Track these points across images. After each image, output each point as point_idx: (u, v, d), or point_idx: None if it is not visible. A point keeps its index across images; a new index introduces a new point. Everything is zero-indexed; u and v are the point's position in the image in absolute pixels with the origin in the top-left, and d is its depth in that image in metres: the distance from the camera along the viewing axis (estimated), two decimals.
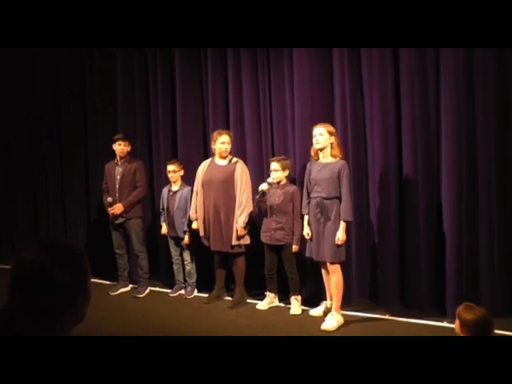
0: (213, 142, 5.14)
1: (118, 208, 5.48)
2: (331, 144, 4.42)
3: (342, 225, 4.34)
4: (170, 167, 5.48)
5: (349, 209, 4.36)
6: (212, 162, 5.18)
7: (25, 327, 1.25)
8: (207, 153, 5.75)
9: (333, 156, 4.45)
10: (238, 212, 4.97)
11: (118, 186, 5.54)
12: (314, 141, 4.46)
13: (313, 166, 4.55)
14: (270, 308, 4.98)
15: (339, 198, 4.38)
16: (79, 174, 6.76)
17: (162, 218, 5.63)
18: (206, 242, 5.20)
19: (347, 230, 4.53)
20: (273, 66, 5.36)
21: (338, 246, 4.34)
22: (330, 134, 4.41)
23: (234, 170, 5.04)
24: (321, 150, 4.46)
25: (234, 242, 4.99)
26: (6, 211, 7.46)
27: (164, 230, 5.60)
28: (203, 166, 5.23)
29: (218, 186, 5.03)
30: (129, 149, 5.63)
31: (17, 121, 7.27)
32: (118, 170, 5.57)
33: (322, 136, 4.41)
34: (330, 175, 4.37)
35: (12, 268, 1.29)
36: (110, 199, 5.52)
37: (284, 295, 5.08)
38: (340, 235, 4.33)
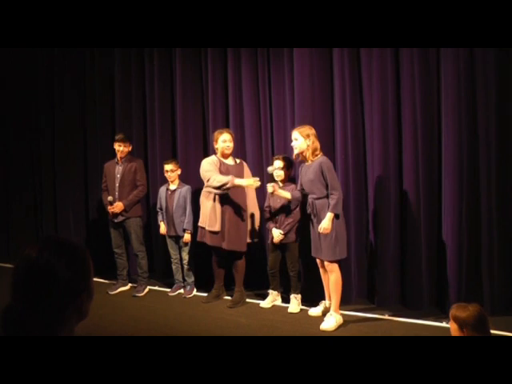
0: (215, 142, 5.11)
1: (118, 207, 5.48)
2: (308, 146, 4.40)
3: (329, 215, 4.28)
4: (168, 166, 5.48)
5: (335, 202, 4.28)
6: (220, 161, 5.07)
7: (29, 325, 1.25)
8: (207, 152, 5.74)
9: (310, 158, 4.43)
10: (252, 211, 5.08)
11: (118, 185, 5.54)
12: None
13: (302, 169, 4.58)
14: (270, 307, 4.98)
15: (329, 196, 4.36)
16: (78, 173, 6.76)
17: (160, 218, 5.63)
18: (211, 241, 5.04)
19: (346, 228, 4.53)
20: (273, 66, 5.36)
21: (332, 240, 4.29)
22: (305, 136, 4.40)
23: (243, 170, 5.08)
24: (301, 153, 4.46)
25: (250, 239, 5.07)
26: (6, 211, 7.46)
27: (162, 229, 5.60)
28: (216, 162, 5.01)
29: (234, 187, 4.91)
30: (129, 149, 5.63)
31: (16, 120, 7.27)
32: (119, 169, 5.57)
33: (296, 141, 4.43)
34: (314, 175, 4.38)
35: (15, 265, 1.29)
36: (110, 198, 5.52)
37: (284, 294, 5.08)
38: (324, 224, 4.27)
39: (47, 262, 1.26)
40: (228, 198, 4.95)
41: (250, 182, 4.78)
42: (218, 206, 4.97)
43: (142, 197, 5.70)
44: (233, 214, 4.98)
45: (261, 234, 5.27)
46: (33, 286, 1.26)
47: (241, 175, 5.00)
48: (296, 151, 4.46)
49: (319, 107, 5.05)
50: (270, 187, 4.65)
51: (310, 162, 4.45)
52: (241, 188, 4.90)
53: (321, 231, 4.30)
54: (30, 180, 7.29)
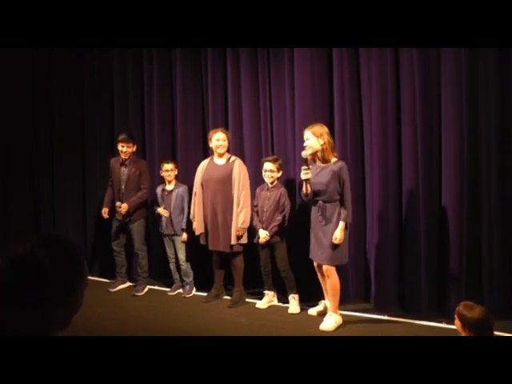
0: (209, 141, 5.14)
1: (124, 208, 5.49)
2: (322, 146, 4.34)
3: (341, 224, 4.29)
4: (168, 166, 5.47)
5: (349, 210, 4.32)
6: (211, 161, 5.17)
7: (17, 324, 1.23)
8: (207, 153, 5.73)
9: (326, 158, 4.37)
10: (236, 211, 4.95)
11: (123, 186, 5.55)
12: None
13: (312, 170, 4.42)
14: (269, 307, 4.98)
15: (340, 201, 4.33)
16: (76, 173, 6.74)
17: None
18: (202, 241, 5.18)
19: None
20: (273, 66, 5.34)
21: (336, 245, 4.28)
22: (318, 135, 4.32)
23: (231, 169, 5.02)
24: (314, 153, 4.40)
25: (234, 241, 4.96)
26: (4, 210, 7.44)
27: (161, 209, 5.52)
28: (202, 166, 5.21)
29: (215, 185, 5.02)
30: (133, 150, 5.59)
31: (14, 120, 7.25)
32: (124, 171, 5.56)
33: (308, 140, 4.35)
34: (329, 178, 4.30)
35: (4, 261, 1.25)
36: (118, 204, 5.52)
37: (283, 294, 5.08)
38: (338, 234, 4.27)
39: (38, 258, 1.23)
40: (204, 201, 5.10)
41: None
42: (199, 208, 5.13)
43: (145, 199, 5.70)
44: (210, 216, 5.06)
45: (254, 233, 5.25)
46: (22, 284, 1.23)
47: (227, 175, 4.99)
48: (310, 151, 4.34)
49: (319, 107, 5.04)
50: (307, 174, 4.27)
51: (322, 163, 4.37)
52: (212, 188, 5.01)
53: (335, 242, 4.28)
54: (29, 179, 7.28)
